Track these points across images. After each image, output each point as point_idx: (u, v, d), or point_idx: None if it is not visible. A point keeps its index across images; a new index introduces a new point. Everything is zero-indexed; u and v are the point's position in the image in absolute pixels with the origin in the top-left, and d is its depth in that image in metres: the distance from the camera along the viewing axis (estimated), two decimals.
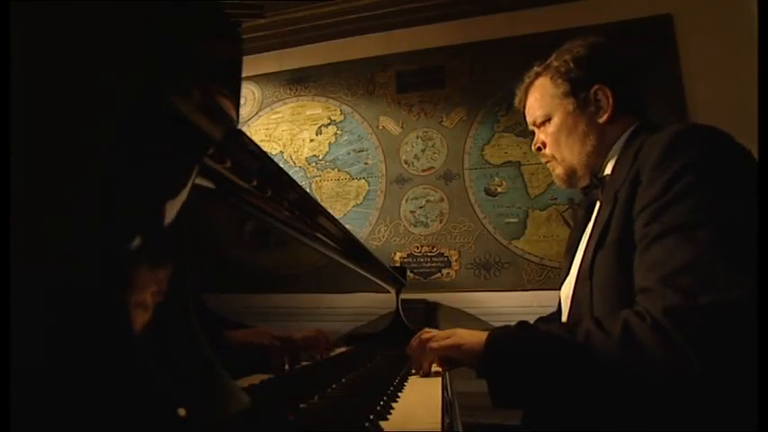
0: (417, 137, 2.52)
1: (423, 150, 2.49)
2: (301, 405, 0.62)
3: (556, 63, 0.89)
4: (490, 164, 2.37)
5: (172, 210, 0.25)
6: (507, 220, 2.30)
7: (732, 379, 0.55)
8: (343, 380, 0.85)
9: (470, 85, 2.49)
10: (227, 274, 0.53)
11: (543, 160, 0.96)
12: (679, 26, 2.25)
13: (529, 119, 0.96)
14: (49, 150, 0.22)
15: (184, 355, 0.24)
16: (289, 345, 0.65)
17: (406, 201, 2.46)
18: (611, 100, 0.84)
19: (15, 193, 0.20)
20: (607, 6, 2.36)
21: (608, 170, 0.84)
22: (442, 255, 2.35)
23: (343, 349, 0.94)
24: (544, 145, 0.93)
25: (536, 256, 2.23)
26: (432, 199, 2.43)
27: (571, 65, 0.87)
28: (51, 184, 0.21)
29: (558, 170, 0.92)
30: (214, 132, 0.27)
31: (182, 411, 0.21)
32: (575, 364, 0.63)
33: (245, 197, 0.53)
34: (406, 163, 2.50)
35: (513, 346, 0.70)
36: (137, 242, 0.22)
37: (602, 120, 0.85)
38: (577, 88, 0.86)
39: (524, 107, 0.98)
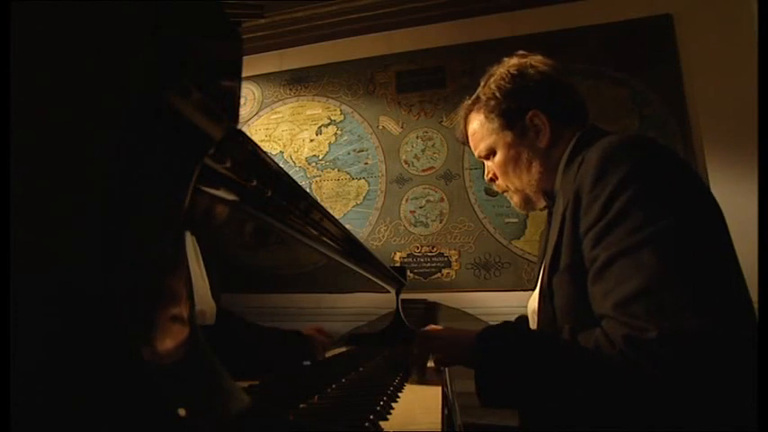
0: (417, 137, 2.52)
1: (423, 150, 2.49)
2: (301, 405, 0.62)
3: (484, 98, 0.89)
4: None
5: (172, 210, 0.25)
6: (507, 220, 2.30)
7: (709, 398, 0.55)
8: (343, 380, 0.85)
9: (470, 85, 2.48)
10: (228, 273, 0.53)
11: (498, 190, 0.97)
12: (679, 26, 2.25)
13: (474, 150, 0.97)
14: (49, 150, 0.22)
15: (185, 354, 0.24)
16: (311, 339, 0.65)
17: (406, 201, 2.46)
18: (547, 122, 0.84)
19: (15, 194, 0.20)
20: (607, 6, 2.36)
21: (558, 185, 0.84)
22: (441, 255, 2.35)
23: (343, 349, 0.94)
24: (496, 176, 0.94)
25: (536, 256, 2.22)
26: (432, 199, 2.43)
27: (499, 96, 0.86)
28: (51, 185, 0.21)
29: (515, 198, 0.93)
30: (214, 132, 0.27)
31: (182, 411, 0.21)
32: (555, 367, 0.64)
33: (244, 197, 0.53)
34: (406, 163, 2.50)
35: (502, 347, 0.71)
36: (137, 243, 0.22)
37: (542, 144, 0.85)
38: (511, 120, 0.86)
39: (466, 138, 0.98)
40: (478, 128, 0.92)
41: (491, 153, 0.92)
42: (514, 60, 0.89)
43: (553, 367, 0.64)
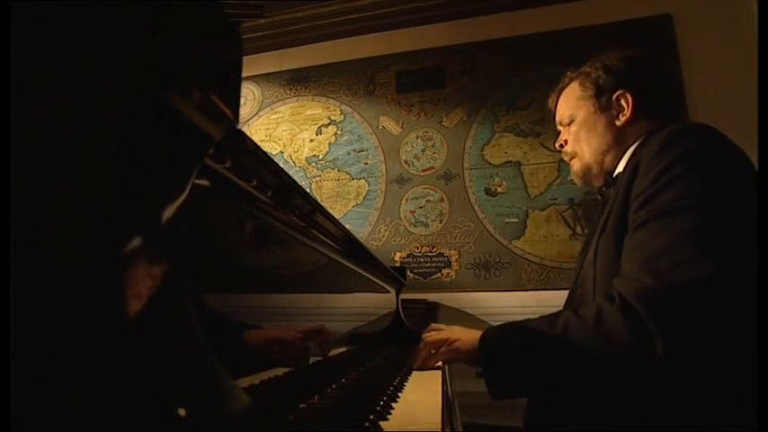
0: (417, 137, 2.52)
1: (423, 150, 2.49)
2: (301, 405, 0.62)
3: (587, 69, 0.97)
4: (490, 164, 2.37)
5: (172, 210, 0.25)
6: (507, 220, 2.30)
7: (698, 362, 0.58)
8: (343, 380, 0.85)
9: (470, 85, 2.49)
10: (228, 274, 0.53)
11: (566, 158, 1.03)
12: (679, 26, 2.25)
13: (557, 118, 1.04)
14: (49, 150, 0.22)
15: (184, 355, 0.24)
16: (303, 341, 0.65)
17: (406, 201, 2.46)
18: (631, 104, 0.90)
19: (15, 194, 0.20)
20: (607, 6, 2.36)
21: (620, 169, 0.90)
22: (441, 255, 2.35)
23: (343, 349, 0.94)
24: (566, 142, 1.00)
25: (536, 256, 2.23)
26: (432, 199, 2.43)
27: (600, 71, 0.94)
28: (51, 185, 0.21)
29: (576, 166, 0.99)
30: (214, 132, 0.27)
31: (182, 411, 0.21)
32: (554, 353, 0.68)
33: (244, 197, 0.53)
34: (406, 163, 2.50)
35: (504, 342, 0.76)
36: (137, 243, 0.22)
37: (620, 122, 0.91)
38: (602, 91, 0.93)
39: (555, 107, 1.06)
40: (571, 94, 1.00)
41: (571, 120, 0.98)
42: (625, 50, 0.98)
43: (547, 357, 0.69)
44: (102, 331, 0.21)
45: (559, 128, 1.04)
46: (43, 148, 0.22)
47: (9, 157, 0.20)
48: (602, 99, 0.93)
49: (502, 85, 2.43)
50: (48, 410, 0.19)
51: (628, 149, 0.90)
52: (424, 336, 0.95)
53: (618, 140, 0.91)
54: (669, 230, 0.63)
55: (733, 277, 0.58)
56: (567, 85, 1.02)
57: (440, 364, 0.94)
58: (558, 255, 2.18)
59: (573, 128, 0.97)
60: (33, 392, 0.19)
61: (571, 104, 0.98)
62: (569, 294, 0.97)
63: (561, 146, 1.02)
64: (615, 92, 0.91)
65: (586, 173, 0.97)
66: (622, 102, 0.91)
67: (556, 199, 2.25)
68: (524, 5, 2.47)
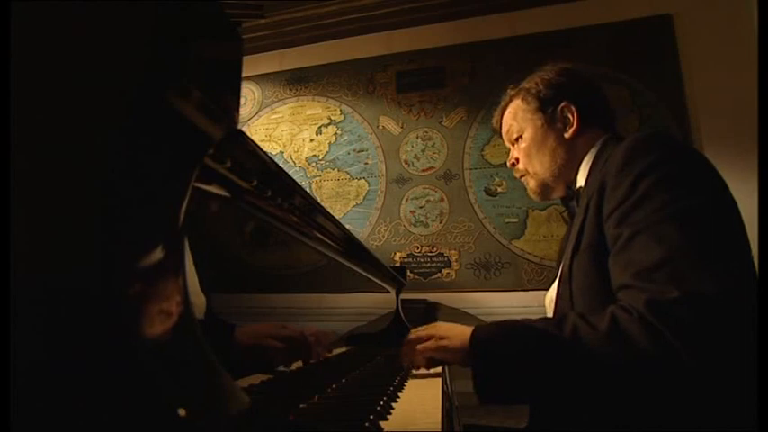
0: (417, 137, 2.52)
1: (423, 150, 2.50)
2: (301, 405, 0.62)
3: (527, 85, 0.98)
4: (490, 164, 2.37)
5: (172, 210, 0.25)
6: (507, 220, 2.30)
7: (719, 368, 0.57)
8: (343, 380, 0.85)
9: (470, 85, 2.49)
10: (227, 274, 0.53)
11: (517, 175, 1.03)
12: (679, 26, 2.25)
13: (504, 137, 1.05)
14: (49, 151, 0.22)
15: (184, 355, 0.24)
16: (296, 343, 0.65)
17: (406, 201, 2.46)
18: (575, 116, 0.91)
19: (15, 194, 0.20)
20: (607, 6, 2.36)
21: (580, 182, 0.90)
22: (441, 255, 2.35)
23: (343, 349, 0.94)
24: (518, 161, 1.01)
25: (536, 256, 2.23)
26: (432, 199, 2.43)
27: (540, 86, 0.95)
28: (51, 185, 0.21)
29: (532, 184, 0.99)
30: (214, 132, 0.27)
31: (182, 411, 0.21)
32: (562, 356, 0.65)
33: (244, 197, 0.53)
34: (406, 163, 2.50)
35: (497, 341, 0.71)
36: (137, 243, 0.22)
37: (568, 134, 0.92)
38: (545, 105, 0.94)
39: (500, 126, 1.06)
40: (514, 111, 1.00)
41: (519, 136, 0.99)
42: (560, 63, 0.99)
43: (554, 360, 0.65)
44: (103, 331, 0.21)
45: (508, 145, 1.05)
46: (43, 148, 0.22)
47: (9, 157, 0.20)
48: (547, 112, 0.94)
49: (502, 85, 2.42)
50: (48, 411, 0.19)
51: (582, 160, 0.90)
52: (409, 335, 0.90)
53: (570, 154, 0.92)
54: (659, 243, 0.62)
55: (735, 281, 0.58)
56: (510, 102, 1.02)
57: (427, 363, 0.87)
58: (557, 255, 2.18)
59: (522, 144, 0.98)
60: (33, 393, 0.19)
61: (517, 120, 0.99)
62: (546, 303, 0.96)
63: (513, 164, 1.02)
64: (558, 104, 0.93)
65: (543, 189, 0.97)
66: (567, 114, 0.92)
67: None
68: (524, 5, 2.47)
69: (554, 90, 0.94)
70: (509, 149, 1.05)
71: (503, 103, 1.05)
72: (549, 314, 0.91)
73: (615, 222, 0.69)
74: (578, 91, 0.94)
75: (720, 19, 2.19)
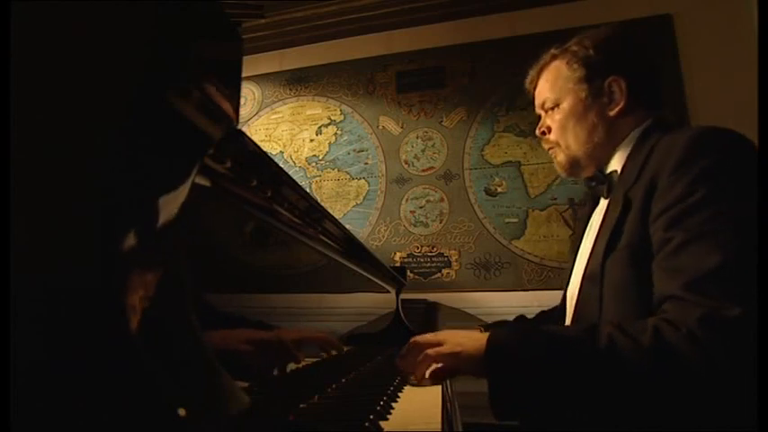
0: (417, 137, 2.52)
1: (423, 150, 2.49)
2: (301, 405, 0.62)
3: (574, 47, 0.86)
4: (490, 164, 2.37)
5: (171, 210, 0.25)
6: (507, 220, 2.30)
7: (750, 378, 0.54)
8: (343, 380, 0.85)
9: (470, 85, 2.49)
10: (227, 274, 0.53)
11: (545, 146, 0.93)
12: (679, 26, 2.25)
13: (537, 101, 0.93)
14: (49, 150, 0.22)
15: (184, 355, 0.24)
16: (287, 345, 0.65)
17: (406, 201, 2.46)
18: (624, 93, 0.81)
19: (15, 193, 0.20)
20: (607, 6, 2.36)
21: (614, 166, 0.82)
22: (441, 255, 2.35)
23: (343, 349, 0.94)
24: (549, 130, 0.90)
25: (536, 256, 2.22)
26: (432, 199, 2.43)
27: (590, 51, 0.84)
28: (51, 185, 0.21)
29: (561, 157, 0.89)
30: (214, 132, 0.27)
31: (182, 411, 0.21)
32: (595, 369, 0.59)
33: (245, 197, 0.53)
34: (406, 163, 2.50)
35: (519, 349, 0.63)
36: (137, 243, 0.22)
37: (613, 112, 0.82)
38: (592, 75, 0.83)
39: (534, 88, 0.94)
40: (555, 75, 0.88)
41: (556, 105, 0.88)
42: (617, 28, 0.87)
43: (587, 373, 0.59)
44: (103, 331, 0.21)
45: (539, 111, 0.93)
46: (44, 148, 0.22)
47: (9, 157, 0.20)
48: (593, 84, 0.83)
49: (502, 85, 2.42)
50: (48, 410, 0.19)
51: (621, 142, 0.82)
52: (414, 339, 0.80)
53: (610, 133, 0.82)
54: (715, 252, 0.57)
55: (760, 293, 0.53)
56: (550, 62, 0.90)
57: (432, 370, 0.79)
58: (557, 255, 2.17)
59: (558, 115, 0.86)
60: (33, 392, 0.19)
61: (556, 86, 0.87)
62: (562, 300, 0.91)
63: (543, 133, 0.91)
64: (607, 76, 0.82)
65: (573, 166, 0.88)
66: (615, 89, 0.82)
67: (556, 199, 2.25)
68: (524, 5, 2.47)
69: (605, 57, 0.83)
70: (540, 115, 0.92)
71: (542, 63, 0.92)
72: (568, 315, 0.84)
73: (665, 225, 0.63)
74: (631, 63, 0.83)
75: (720, 19, 2.19)
